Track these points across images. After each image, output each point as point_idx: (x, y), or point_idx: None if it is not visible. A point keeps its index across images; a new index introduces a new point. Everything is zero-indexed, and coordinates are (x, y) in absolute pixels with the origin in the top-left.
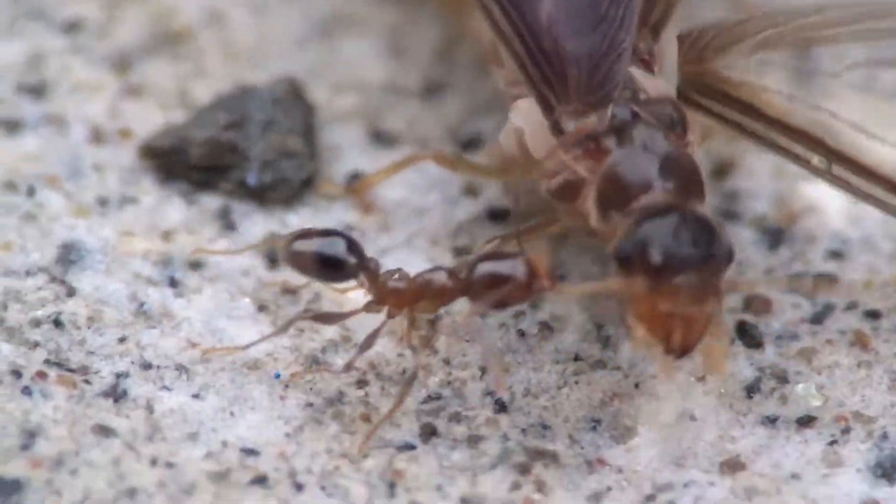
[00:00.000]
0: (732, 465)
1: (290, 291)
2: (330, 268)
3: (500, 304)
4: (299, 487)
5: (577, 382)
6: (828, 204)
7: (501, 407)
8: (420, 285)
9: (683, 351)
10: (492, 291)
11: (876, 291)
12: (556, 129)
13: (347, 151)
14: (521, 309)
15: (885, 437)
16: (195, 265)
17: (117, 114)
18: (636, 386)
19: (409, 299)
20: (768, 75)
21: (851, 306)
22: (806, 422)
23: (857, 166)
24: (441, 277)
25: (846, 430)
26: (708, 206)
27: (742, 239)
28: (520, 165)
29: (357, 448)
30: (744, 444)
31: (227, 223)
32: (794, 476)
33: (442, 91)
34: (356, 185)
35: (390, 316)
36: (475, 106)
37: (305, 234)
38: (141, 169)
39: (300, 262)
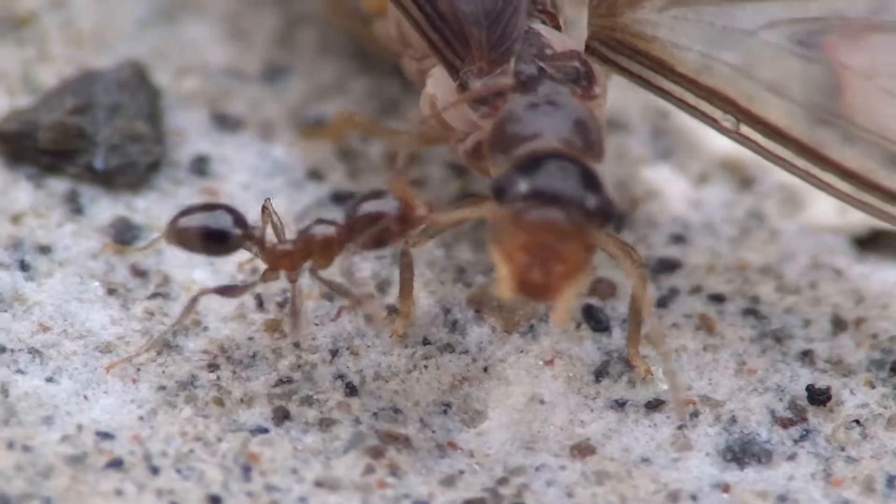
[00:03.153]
0: (583, 449)
1: (139, 274)
2: (216, 241)
3: (381, 242)
4: (155, 470)
5: (426, 366)
6: (669, 189)
7: (352, 390)
8: (305, 241)
9: (536, 289)
10: (370, 229)
11: (719, 275)
12: (464, 90)
13: (192, 135)
14: (369, 292)
15: (733, 420)
16: (45, 249)
17: None
18: (485, 370)
19: (300, 257)
20: (681, 31)
21: (696, 290)
22: (654, 406)
23: (766, 127)
24: (323, 229)
25: (694, 414)
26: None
27: None
28: (436, 131)
29: None
30: (593, 428)
31: (74, 207)
32: (645, 460)
33: (283, 74)
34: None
35: (290, 280)
36: (317, 89)
37: (188, 211)
38: None
39: (186, 238)
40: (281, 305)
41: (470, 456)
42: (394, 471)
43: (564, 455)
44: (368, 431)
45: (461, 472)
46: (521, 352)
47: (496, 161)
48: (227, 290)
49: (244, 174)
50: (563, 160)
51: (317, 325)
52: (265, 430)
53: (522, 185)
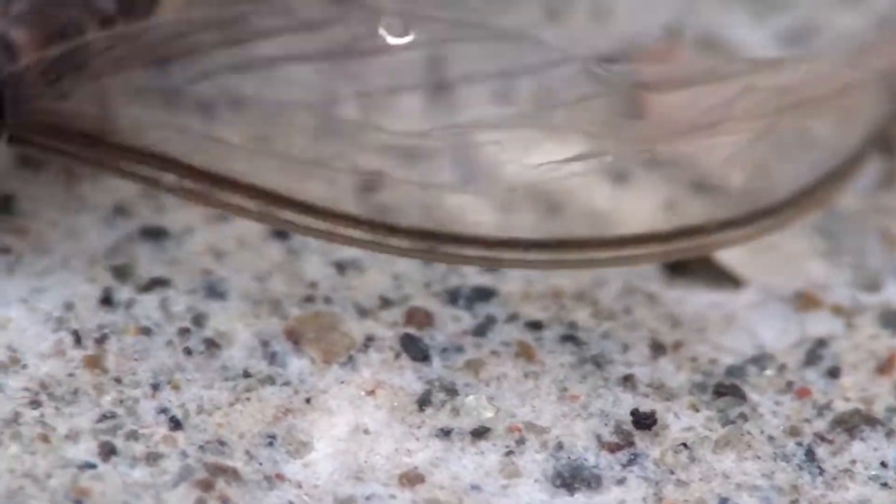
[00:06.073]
0: (411, 478)
1: None
2: None
3: None
4: None
5: (248, 399)
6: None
7: (177, 424)
8: None
9: None
10: None
11: (535, 302)
12: None
13: None
14: (185, 326)
15: (560, 446)
16: None
17: None
18: (307, 401)
19: None
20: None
21: (512, 317)
22: (480, 433)
23: (212, 178)
24: None
25: (521, 441)
26: None
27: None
28: None
29: None
30: (420, 457)
31: None
32: (475, 487)
33: None
34: None
35: None
36: None
37: None
38: None
39: None
40: (99, 342)
41: (298, 487)
42: (225, 502)
43: (393, 484)
44: (196, 464)
45: None
46: (343, 382)
47: None
48: None
49: (51, 212)
50: None
51: (136, 360)
52: (93, 466)
53: None
